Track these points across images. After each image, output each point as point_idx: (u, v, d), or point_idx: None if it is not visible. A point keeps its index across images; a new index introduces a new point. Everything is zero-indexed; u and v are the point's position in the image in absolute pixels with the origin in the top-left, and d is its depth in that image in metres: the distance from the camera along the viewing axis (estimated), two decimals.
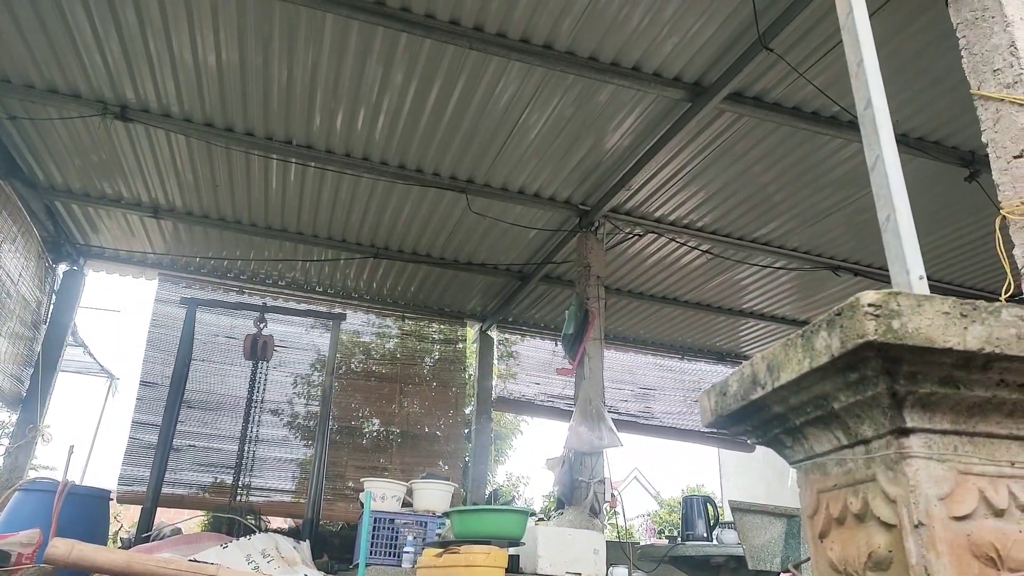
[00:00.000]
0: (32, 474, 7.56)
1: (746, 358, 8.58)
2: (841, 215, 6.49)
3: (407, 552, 5.07)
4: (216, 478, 7.82)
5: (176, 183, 6.54)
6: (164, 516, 8.02)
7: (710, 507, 6.01)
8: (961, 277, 7.56)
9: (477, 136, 5.66)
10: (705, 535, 5.85)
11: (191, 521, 8.53)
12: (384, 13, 4.42)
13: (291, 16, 4.56)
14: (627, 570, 4.99)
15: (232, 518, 6.32)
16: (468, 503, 8.17)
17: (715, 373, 10.23)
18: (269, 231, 7.31)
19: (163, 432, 6.43)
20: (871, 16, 1.82)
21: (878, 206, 1.61)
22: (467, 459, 9.32)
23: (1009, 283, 2.24)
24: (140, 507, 6.41)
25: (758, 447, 8.74)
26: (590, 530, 4.96)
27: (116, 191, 6.75)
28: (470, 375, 9.75)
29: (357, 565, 4.56)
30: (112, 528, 7.20)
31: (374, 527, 5.25)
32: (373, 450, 8.61)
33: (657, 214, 6.72)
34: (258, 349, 6.89)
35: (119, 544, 6.55)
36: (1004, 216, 2.30)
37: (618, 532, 7.93)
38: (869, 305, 1.07)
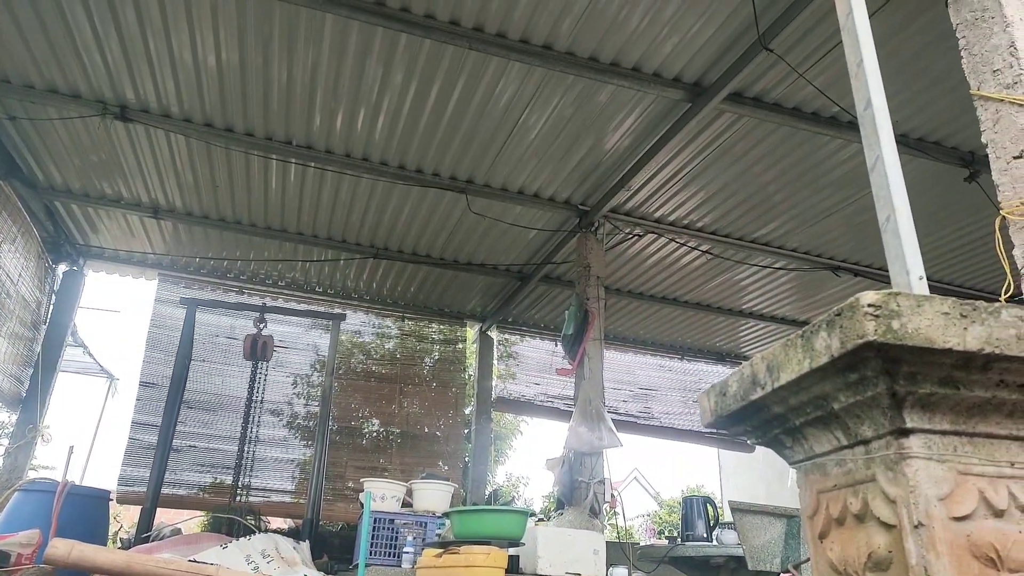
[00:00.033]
0: (32, 474, 7.56)
1: (746, 358, 8.60)
2: (841, 215, 6.49)
3: (407, 552, 5.07)
4: (216, 478, 7.82)
5: (176, 183, 6.54)
6: (164, 516, 8.01)
7: (710, 507, 6.01)
8: (961, 278, 7.56)
9: (477, 136, 5.66)
10: (705, 535, 5.85)
11: (191, 521, 8.53)
12: (384, 13, 4.42)
13: (291, 16, 4.56)
14: (627, 570, 4.99)
15: (232, 518, 6.32)
16: (468, 503, 8.17)
17: (715, 373, 10.23)
18: (269, 231, 7.31)
19: (163, 432, 6.42)
20: (871, 17, 1.82)
21: (878, 206, 1.62)
22: (467, 459, 9.32)
23: (1009, 283, 2.24)
24: (140, 507, 6.41)
25: (758, 447, 8.74)
26: (590, 530, 4.96)
27: (116, 191, 6.75)
28: (470, 375, 9.75)
29: (357, 565, 4.56)
30: (112, 528, 7.20)
31: (374, 527, 5.25)
32: (373, 450, 8.60)
33: (657, 214, 6.72)
34: (258, 349, 6.88)
35: (119, 544, 6.55)
36: (1004, 216, 2.30)
37: (618, 532, 7.93)
38: (869, 305, 1.07)
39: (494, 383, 9.38)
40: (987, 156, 2.42)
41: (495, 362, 9.62)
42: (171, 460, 6.91)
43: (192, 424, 7.84)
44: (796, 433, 1.39)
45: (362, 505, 5.26)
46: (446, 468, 8.65)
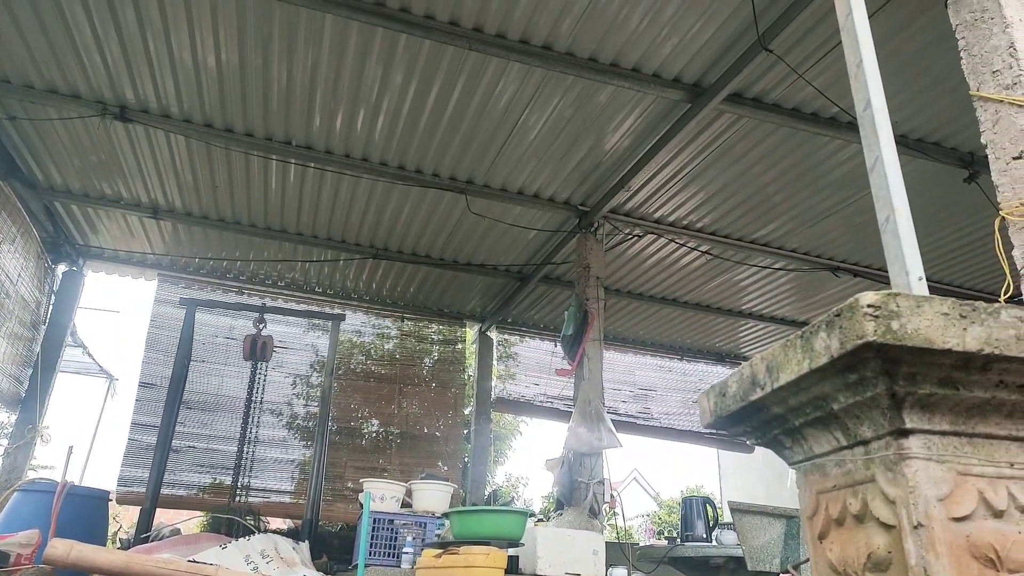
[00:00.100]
0: (31, 475, 7.56)
1: (745, 359, 8.59)
2: (841, 216, 6.50)
3: (406, 553, 5.07)
4: (215, 479, 7.82)
5: (175, 184, 6.54)
6: (163, 517, 8.00)
7: (709, 508, 6.01)
8: (960, 278, 7.57)
9: (476, 137, 5.66)
10: (704, 536, 5.85)
11: (190, 522, 8.53)
12: (384, 14, 4.42)
13: (291, 17, 4.56)
14: (626, 571, 4.98)
15: (231, 519, 6.32)
16: (467, 504, 8.17)
17: (714, 374, 10.23)
18: (268, 232, 7.31)
19: (162, 433, 6.42)
20: (870, 17, 1.82)
21: (877, 207, 1.62)
22: (466, 460, 9.32)
23: (1008, 284, 2.25)
24: (139, 508, 6.40)
25: (757, 448, 8.74)
26: (589, 531, 4.96)
27: (115, 192, 6.75)
28: (469, 376, 9.75)
29: (356, 566, 4.56)
30: (111, 529, 7.19)
31: (373, 528, 5.24)
32: (372, 451, 8.60)
33: (657, 215, 6.72)
34: (257, 350, 6.88)
35: (118, 545, 6.55)
36: (1003, 217, 2.30)
37: (617, 533, 7.93)
38: (868, 306, 1.07)
39: (493, 383, 9.39)
40: (987, 157, 2.43)
41: (495, 362, 9.62)
42: (170, 460, 6.91)
43: (191, 424, 7.84)
44: (795, 434, 1.39)
45: (361, 505, 5.26)
46: (445, 468, 8.65)
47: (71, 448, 5.33)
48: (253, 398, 6.99)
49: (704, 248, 7.16)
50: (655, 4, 4.34)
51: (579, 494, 5.61)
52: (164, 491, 6.68)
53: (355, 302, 8.84)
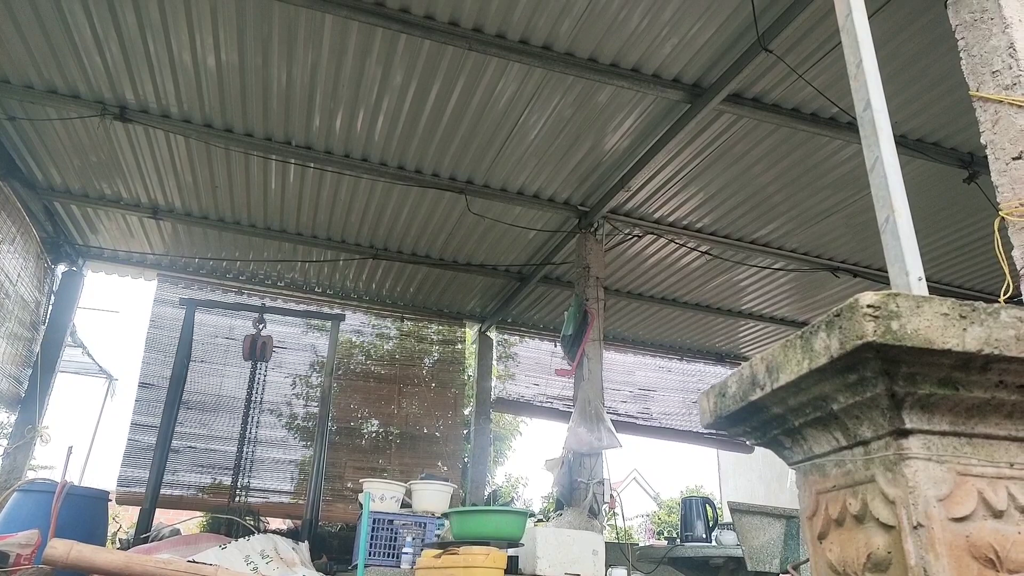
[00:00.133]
0: (31, 475, 7.55)
1: (745, 359, 8.58)
2: (840, 216, 6.50)
3: (406, 553, 5.06)
4: (215, 479, 7.82)
5: (175, 184, 6.54)
6: (163, 517, 8.00)
7: (709, 508, 6.01)
8: (960, 278, 7.57)
9: (476, 137, 5.66)
10: (704, 536, 5.85)
11: (190, 522, 8.52)
12: (383, 14, 4.42)
13: (290, 17, 4.56)
14: (626, 571, 4.98)
15: (231, 519, 6.31)
16: (467, 504, 8.17)
17: (714, 374, 10.23)
18: (268, 232, 7.31)
19: (162, 433, 6.42)
20: (870, 18, 1.82)
21: (877, 207, 1.62)
22: (466, 460, 9.32)
23: (1008, 284, 2.24)
24: (139, 508, 6.40)
25: (757, 448, 8.73)
26: (589, 531, 4.96)
27: (115, 192, 6.75)
28: (469, 376, 9.74)
29: (356, 566, 4.55)
30: (111, 529, 7.19)
31: (373, 528, 5.24)
32: (372, 451, 8.60)
33: (656, 215, 6.72)
34: (257, 350, 6.88)
35: (118, 545, 6.55)
36: (1003, 217, 2.30)
37: (617, 533, 7.93)
38: (868, 306, 1.07)
39: (493, 384, 9.38)
40: (986, 157, 2.43)
41: (494, 363, 9.62)
42: (170, 460, 6.90)
43: (191, 425, 7.84)
44: (795, 434, 1.39)
45: (361, 506, 5.26)
46: (445, 469, 8.64)
47: (71, 448, 5.33)
48: (253, 398, 6.98)
49: (704, 248, 7.16)
50: (655, 4, 4.34)
51: (579, 494, 5.61)
52: (164, 491, 6.68)
53: (355, 302, 8.84)
